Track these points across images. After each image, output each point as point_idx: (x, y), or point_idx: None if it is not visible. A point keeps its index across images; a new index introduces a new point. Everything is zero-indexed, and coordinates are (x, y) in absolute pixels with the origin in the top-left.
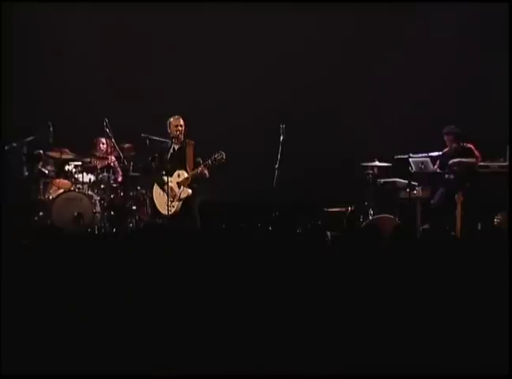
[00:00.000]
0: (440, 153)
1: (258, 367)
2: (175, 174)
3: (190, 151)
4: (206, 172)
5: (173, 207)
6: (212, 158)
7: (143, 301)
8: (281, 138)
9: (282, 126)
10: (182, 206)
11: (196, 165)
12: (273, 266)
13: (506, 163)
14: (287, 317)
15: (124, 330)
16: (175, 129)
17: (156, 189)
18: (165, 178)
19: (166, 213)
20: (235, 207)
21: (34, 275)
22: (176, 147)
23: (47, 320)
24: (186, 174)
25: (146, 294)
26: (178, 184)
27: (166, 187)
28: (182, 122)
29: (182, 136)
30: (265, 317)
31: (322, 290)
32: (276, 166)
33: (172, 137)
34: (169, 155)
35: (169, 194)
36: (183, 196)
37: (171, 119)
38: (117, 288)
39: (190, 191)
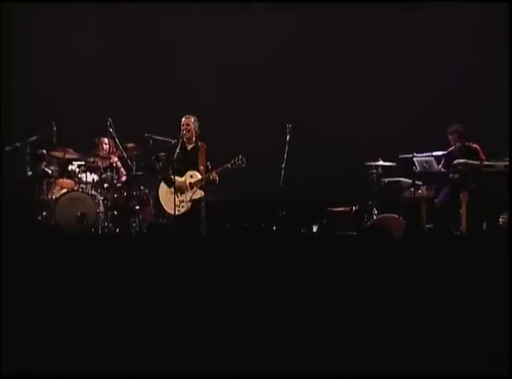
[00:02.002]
0: (445, 152)
1: (259, 367)
2: (188, 174)
3: (202, 154)
4: (217, 179)
5: (183, 207)
6: (232, 162)
7: (146, 301)
8: (287, 138)
9: (288, 126)
10: (191, 207)
11: (206, 169)
12: (281, 266)
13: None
14: (292, 318)
15: (126, 330)
16: (182, 128)
17: (163, 189)
18: (174, 178)
19: (173, 213)
20: (241, 206)
21: (35, 276)
22: (189, 147)
23: (47, 321)
24: (199, 176)
25: (150, 294)
26: (191, 185)
27: (173, 187)
28: (191, 121)
29: (194, 138)
30: (270, 317)
31: (330, 289)
32: (283, 165)
33: (183, 137)
34: (178, 154)
35: (177, 194)
36: (196, 197)
37: (183, 119)
38: (120, 288)
39: (202, 193)
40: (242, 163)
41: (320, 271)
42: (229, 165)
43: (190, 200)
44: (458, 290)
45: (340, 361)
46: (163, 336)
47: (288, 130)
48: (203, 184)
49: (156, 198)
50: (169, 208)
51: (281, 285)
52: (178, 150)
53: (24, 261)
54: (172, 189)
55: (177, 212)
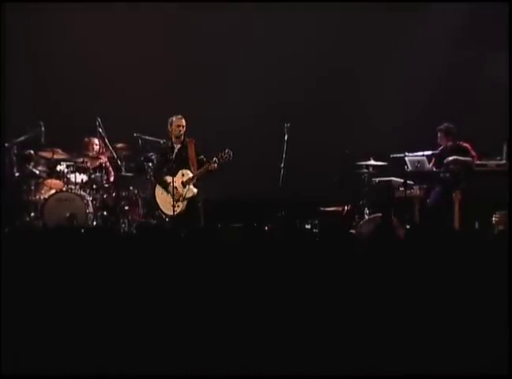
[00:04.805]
0: (436, 151)
1: (258, 367)
2: (179, 173)
3: (191, 150)
4: (215, 165)
5: (178, 207)
6: (219, 156)
7: (140, 302)
8: (286, 137)
9: (286, 125)
10: (186, 205)
11: (200, 162)
12: (279, 265)
13: (504, 162)
14: (289, 318)
15: (124, 330)
16: (177, 129)
17: (158, 190)
18: (168, 179)
19: (170, 213)
20: (237, 206)
21: (33, 275)
22: (177, 146)
23: (46, 321)
24: (190, 174)
25: (144, 294)
26: (183, 183)
27: (170, 187)
28: (183, 122)
29: (182, 136)
30: (267, 317)
31: (330, 289)
32: (282, 165)
33: (176, 137)
34: (174, 155)
35: (174, 194)
36: (189, 195)
37: (174, 118)
38: (114, 289)
39: (195, 190)
40: (229, 156)
41: (319, 270)
42: (216, 159)
43: (184, 198)
44: (455, 290)
45: (339, 361)
46: (161, 336)
47: (286, 130)
48: (197, 180)
49: (153, 200)
50: (166, 209)
51: (280, 284)
52: (176, 151)
53: (20, 262)
54: (167, 190)
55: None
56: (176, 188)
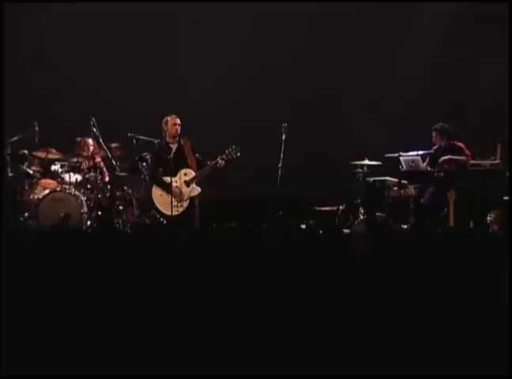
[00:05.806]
0: (430, 151)
1: (258, 367)
2: (181, 172)
3: (188, 149)
4: (223, 162)
5: (181, 207)
6: (227, 152)
7: (136, 301)
8: (283, 137)
9: (284, 125)
10: (189, 205)
11: (197, 161)
12: (275, 266)
13: (498, 161)
14: (285, 317)
15: (123, 329)
16: (173, 128)
17: (156, 192)
18: (166, 179)
19: (171, 214)
20: (234, 206)
21: (33, 274)
22: (174, 147)
23: (44, 321)
24: (192, 173)
25: (140, 294)
26: (187, 182)
27: (172, 188)
28: (179, 121)
29: (177, 137)
30: (263, 317)
31: (329, 289)
32: (280, 165)
33: (172, 136)
34: (172, 154)
35: (175, 195)
36: (194, 194)
37: (169, 118)
38: (111, 288)
39: (199, 189)
40: (237, 152)
41: (314, 269)
42: (224, 155)
43: (188, 197)
44: (454, 289)
45: (339, 361)
46: (157, 336)
47: (283, 130)
48: (201, 179)
49: (150, 201)
50: (166, 209)
51: (275, 284)
52: (173, 150)
53: (16, 262)
54: (168, 191)
55: (176, 213)
56: (178, 188)
